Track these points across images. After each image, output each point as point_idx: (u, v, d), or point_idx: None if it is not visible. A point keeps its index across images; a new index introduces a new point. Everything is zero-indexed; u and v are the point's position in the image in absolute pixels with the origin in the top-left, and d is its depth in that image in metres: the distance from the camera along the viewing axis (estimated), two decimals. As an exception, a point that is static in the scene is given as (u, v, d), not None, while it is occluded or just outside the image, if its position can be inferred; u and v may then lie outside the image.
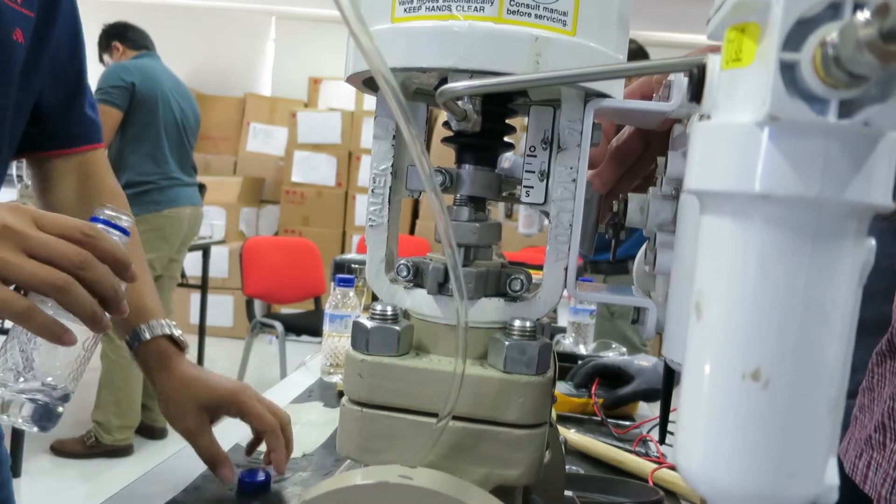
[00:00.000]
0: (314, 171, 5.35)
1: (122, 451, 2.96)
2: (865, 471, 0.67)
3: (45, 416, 0.65)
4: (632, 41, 1.42)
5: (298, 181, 5.39)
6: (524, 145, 0.52)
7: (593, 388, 1.27)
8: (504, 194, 0.55)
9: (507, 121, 0.54)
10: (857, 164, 0.23)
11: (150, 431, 3.14)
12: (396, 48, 0.45)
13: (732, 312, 0.25)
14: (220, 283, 4.96)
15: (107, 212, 0.66)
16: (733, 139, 0.24)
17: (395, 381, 0.47)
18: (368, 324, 0.48)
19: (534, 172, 0.51)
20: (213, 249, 4.32)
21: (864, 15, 0.19)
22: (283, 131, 5.64)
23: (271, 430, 0.84)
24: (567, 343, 1.76)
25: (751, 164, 0.24)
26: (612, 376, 1.30)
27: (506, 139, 0.53)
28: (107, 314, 0.61)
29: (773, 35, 0.23)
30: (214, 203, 4.93)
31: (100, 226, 0.63)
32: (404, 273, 0.52)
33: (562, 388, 1.30)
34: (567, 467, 0.99)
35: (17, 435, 2.56)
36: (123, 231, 0.67)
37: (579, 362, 1.38)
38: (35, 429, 0.65)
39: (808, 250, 0.24)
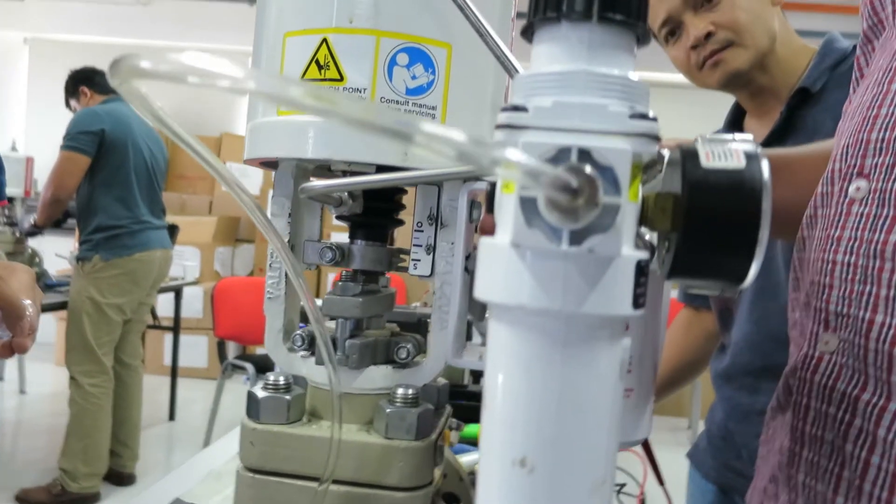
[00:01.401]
0: (290, 209, 5.37)
1: (90, 499, 2.92)
2: (764, 519, 0.70)
3: None
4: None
5: (274, 220, 5.41)
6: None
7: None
8: (397, 265, 0.58)
9: (397, 197, 0.58)
10: (593, 282, 0.27)
11: (118, 478, 3.11)
12: (281, 140, 0.50)
13: (504, 405, 0.29)
14: (194, 323, 4.94)
15: None
16: (498, 257, 0.28)
17: (284, 448, 0.50)
18: (260, 393, 0.51)
19: (421, 246, 0.55)
20: (188, 290, 4.32)
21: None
22: (259, 171, 5.68)
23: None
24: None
25: (510, 279, 0.28)
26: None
27: (395, 216, 0.57)
28: None
29: (517, 172, 0.27)
30: (189, 243, 4.94)
31: None
32: (300, 343, 0.55)
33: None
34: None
35: (-20, 484, 2.53)
36: None
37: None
38: None
39: (558, 355, 0.28)
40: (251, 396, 0.51)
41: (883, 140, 0.54)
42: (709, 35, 1.05)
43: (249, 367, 3.39)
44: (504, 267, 0.28)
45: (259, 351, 4.39)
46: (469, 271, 0.54)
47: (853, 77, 0.67)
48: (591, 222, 0.26)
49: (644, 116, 0.27)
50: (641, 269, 0.28)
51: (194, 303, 4.87)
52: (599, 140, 0.26)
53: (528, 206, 0.26)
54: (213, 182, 5.81)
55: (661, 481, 0.78)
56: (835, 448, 0.56)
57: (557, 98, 0.27)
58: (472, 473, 0.70)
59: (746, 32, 1.05)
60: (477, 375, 1.93)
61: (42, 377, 4.77)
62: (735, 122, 1.19)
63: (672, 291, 0.51)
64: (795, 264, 0.65)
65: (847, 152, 0.57)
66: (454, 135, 0.22)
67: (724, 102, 1.22)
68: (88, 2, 5.73)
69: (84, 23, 6.18)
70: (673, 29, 1.10)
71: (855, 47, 0.68)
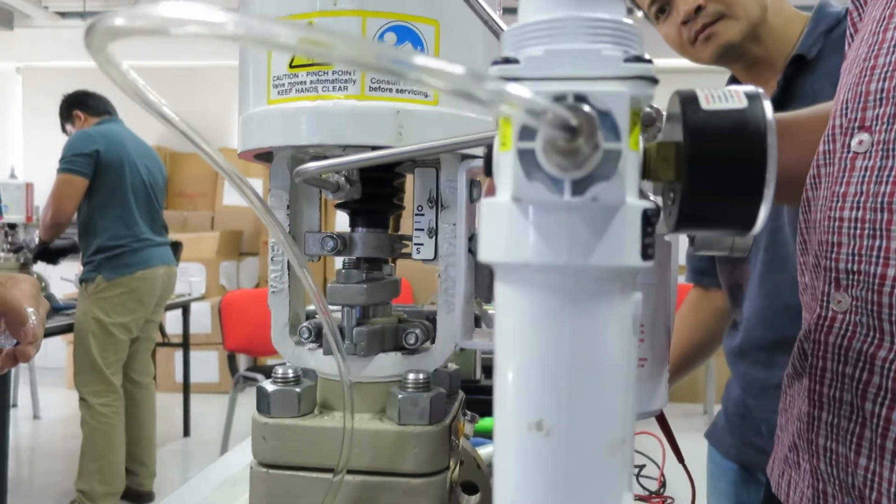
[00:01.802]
0: (291, 219, 5.37)
1: (109, 519, 2.92)
2: (787, 489, 0.69)
3: None
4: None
5: (276, 231, 5.42)
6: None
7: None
8: (400, 252, 0.58)
9: (397, 182, 0.57)
10: (599, 233, 0.26)
11: (135, 496, 3.10)
12: (273, 128, 0.49)
13: (516, 369, 0.28)
14: (203, 339, 4.94)
15: None
16: (501, 216, 0.27)
17: (297, 441, 0.49)
18: (270, 387, 0.51)
19: (423, 230, 0.54)
20: (195, 306, 4.32)
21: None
22: (258, 183, 5.68)
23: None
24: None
25: (514, 237, 0.27)
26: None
27: (395, 201, 0.56)
28: None
29: (513, 125, 0.26)
30: (193, 259, 4.94)
31: None
32: (306, 335, 0.54)
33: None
34: None
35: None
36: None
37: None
38: None
39: (568, 311, 0.27)
40: (261, 391, 0.51)
41: (882, 91, 0.53)
42: (699, 9, 1.04)
43: (261, 378, 3.39)
44: (506, 225, 0.27)
45: (270, 362, 4.39)
46: (473, 252, 0.54)
47: (847, 33, 0.66)
48: (592, 170, 0.25)
49: (639, 59, 0.26)
50: (648, 219, 0.27)
51: (202, 318, 4.87)
52: (595, 85, 0.25)
53: (526, 157, 0.26)
54: (214, 198, 5.82)
55: (680, 458, 0.77)
56: (854, 408, 0.55)
57: (548, 46, 0.27)
58: (491, 465, 0.69)
59: (737, 3, 1.04)
60: (488, 370, 1.93)
61: (55, 401, 4.78)
62: None
63: (679, 277, 0.50)
64: (802, 227, 0.64)
65: (847, 107, 0.56)
66: (451, 68, 0.21)
67: (719, 83, 1.21)
68: (77, 27, 5.74)
69: (74, 48, 6.17)
70: (662, 6, 1.09)
71: (847, 11, 0.67)
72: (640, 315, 0.29)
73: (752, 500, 1.18)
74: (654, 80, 0.26)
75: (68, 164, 2.79)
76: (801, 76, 1.05)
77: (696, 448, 1.32)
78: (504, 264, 0.28)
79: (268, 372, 3.50)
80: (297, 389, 0.50)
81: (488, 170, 0.31)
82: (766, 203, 0.28)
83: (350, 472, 0.48)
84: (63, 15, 5.55)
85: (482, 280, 0.55)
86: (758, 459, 1.13)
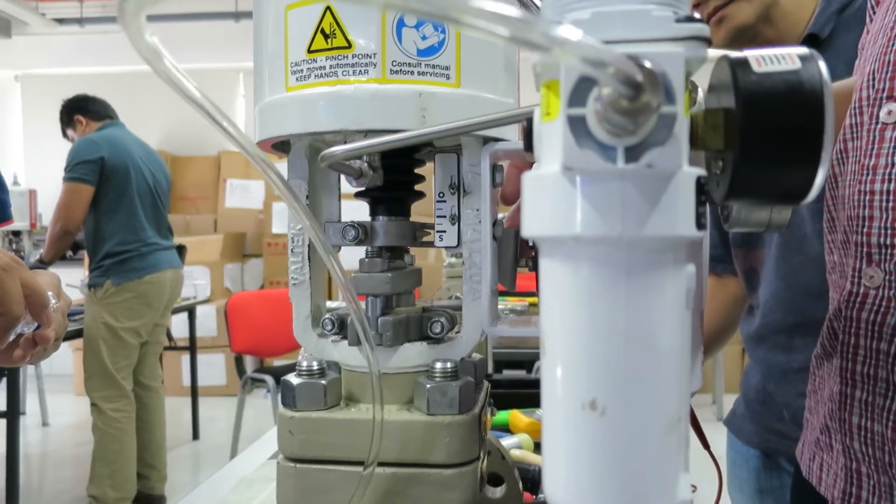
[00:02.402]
0: (294, 220, 5.37)
1: (122, 524, 2.92)
2: (819, 472, 0.68)
3: None
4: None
5: (279, 232, 5.41)
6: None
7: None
8: (422, 240, 0.56)
9: (417, 170, 0.56)
10: (653, 201, 0.25)
11: (147, 500, 3.10)
12: (292, 115, 0.48)
13: (567, 347, 0.27)
14: (209, 341, 4.94)
15: None
16: (548, 188, 0.26)
17: (324, 435, 0.48)
18: (295, 381, 0.50)
19: (445, 217, 0.53)
20: (200, 308, 4.31)
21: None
22: (260, 185, 5.68)
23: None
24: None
25: (562, 210, 0.26)
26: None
27: (416, 188, 0.55)
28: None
29: (562, 92, 0.25)
30: (197, 262, 4.94)
31: None
32: (329, 327, 0.53)
33: (540, 414, 1.30)
34: (542, 495, 1.00)
35: (13, 518, 2.52)
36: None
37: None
38: None
39: (622, 285, 0.26)
40: (286, 384, 0.50)
41: None
42: None
43: (269, 379, 3.38)
44: (553, 197, 0.26)
45: (276, 363, 4.39)
46: (496, 238, 0.53)
47: (869, 5, 0.65)
48: (647, 136, 0.24)
49: (691, 19, 0.25)
50: (702, 187, 0.26)
51: (208, 321, 4.87)
52: (648, 47, 0.24)
53: (577, 124, 0.24)
54: (217, 200, 5.81)
55: (705, 445, 0.76)
56: (889, 384, 0.54)
57: (596, 9, 0.25)
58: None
59: None
60: (499, 365, 1.92)
61: (63, 407, 4.78)
62: None
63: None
64: (829, 204, 0.63)
65: (874, 77, 0.55)
66: (507, 10, 0.20)
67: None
68: (74, 34, 5.73)
69: (71, 55, 6.18)
70: None
71: None
72: (693, 288, 0.27)
73: (775, 486, 1.17)
74: (707, 41, 0.25)
75: (74, 172, 2.79)
76: None
77: (710, 437, 1.30)
78: (551, 238, 0.27)
79: (275, 373, 3.49)
80: (323, 382, 0.49)
81: (528, 145, 0.30)
82: (824, 169, 0.27)
83: (380, 464, 0.47)
84: (60, 21, 5.53)
85: (504, 266, 0.54)
86: (780, 445, 1.12)
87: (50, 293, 0.62)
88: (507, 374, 1.88)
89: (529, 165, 0.62)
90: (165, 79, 0.26)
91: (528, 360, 1.88)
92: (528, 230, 0.28)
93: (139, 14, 0.20)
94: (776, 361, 1.10)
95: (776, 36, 1.07)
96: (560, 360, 0.27)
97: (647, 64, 0.22)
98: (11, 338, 0.60)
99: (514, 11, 0.20)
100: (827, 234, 0.64)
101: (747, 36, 1.06)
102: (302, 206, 0.38)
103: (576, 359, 0.27)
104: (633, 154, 0.24)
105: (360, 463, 0.48)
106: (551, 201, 0.26)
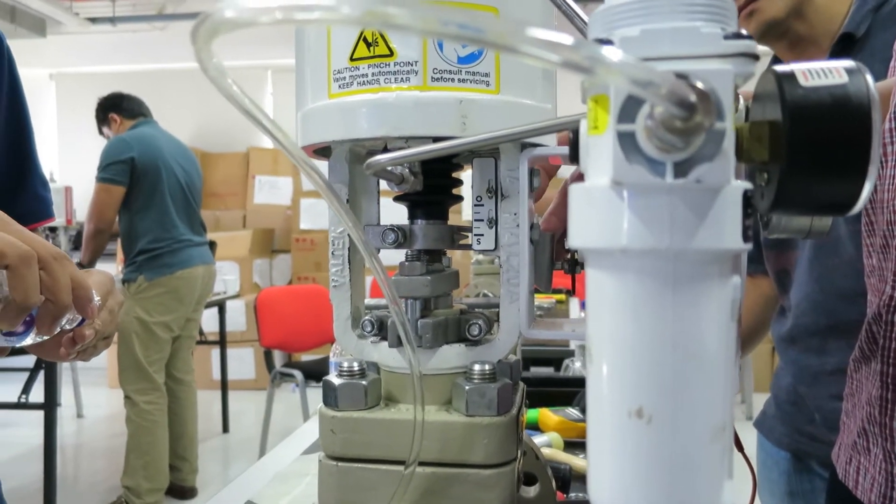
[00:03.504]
0: (322, 216, 5.42)
1: (154, 514, 2.98)
2: (856, 476, 0.68)
3: None
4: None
5: (307, 228, 5.46)
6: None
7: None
8: (459, 242, 0.57)
9: (454, 174, 0.57)
10: (701, 215, 0.25)
11: (179, 492, 3.16)
12: (335, 122, 0.49)
13: (613, 356, 0.27)
14: (238, 336, 5.01)
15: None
16: (596, 200, 0.27)
17: (365, 434, 0.50)
18: (336, 381, 0.51)
19: (483, 220, 0.54)
20: (229, 304, 4.38)
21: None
22: (288, 181, 5.74)
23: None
24: (576, 367, 1.77)
25: (610, 222, 0.26)
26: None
27: (454, 191, 0.56)
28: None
29: (611, 109, 0.25)
30: (227, 258, 5.01)
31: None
32: (369, 329, 0.54)
33: (569, 413, 1.31)
34: (573, 494, 1.00)
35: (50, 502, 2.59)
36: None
37: (586, 386, 1.38)
38: None
39: (669, 296, 0.26)
40: (327, 384, 0.51)
41: None
42: None
43: (298, 373, 3.42)
44: (601, 210, 0.27)
45: (304, 358, 4.43)
46: (533, 241, 0.53)
47: None
48: (696, 151, 0.24)
49: (739, 35, 0.26)
50: (748, 200, 0.26)
51: (237, 316, 4.94)
52: (697, 64, 0.25)
53: (626, 140, 0.25)
54: (245, 197, 5.88)
55: (740, 447, 0.76)
56: None
57: (644, 26, 0.26)
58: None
59: None
60: (526, 362, 1.92)
61: (97, 400, 4.88)
62: None
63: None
64: (867, 207, 0.62)
65: None
66: (562, 39, 0.20)
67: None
68: (107, 33, 5.83)
69: (105, 53, 6.29)
70: None
71: None
72: (738, 300, 0.28)
73: (806, 490, 1.16)
74: (755, 57, 0.26)
75: (105, 172, 2.86)
76: (848, 55, 1.02)
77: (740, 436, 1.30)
78: (598, 250, 0.28)
79: (304, 368, 3.54)
80: (364, 382, 0.50)
81: (574, 156, 0.31)
82: (870, 181, 0.27)
83: (420, 463, 0.48)
84: (93, 21, 5.63)
85: (540, 268, 0.55)
86: (811, 448, 1.11)
87: (94, 290, 0.63)
88: (535, 371, 1.89)
89: (554, 168, 0.63)
90: (226, 94, 0.27)
91: (557, 358, 1.88)
92: (576, 241, 0.28)
93: (210, 40, 0.21)
94: (808, 364, 1.09)
95: (808, 33, 1.05)
96: (607, 369, 0.28)
97: (700, 85, 0.22)
98: (57, 329, 0.61)
99: (565, 38, 0.21)
100: (865, 237, 0.64)
101: (778, 31, 1.04)
102: (347, 210, 0.39)
103: (623, 368, 0.27)
104: (681, 169, 0.25)
105: (400, 462, 0.49)
106: (599, 214, 0.27)
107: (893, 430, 0.58)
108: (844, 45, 1.01)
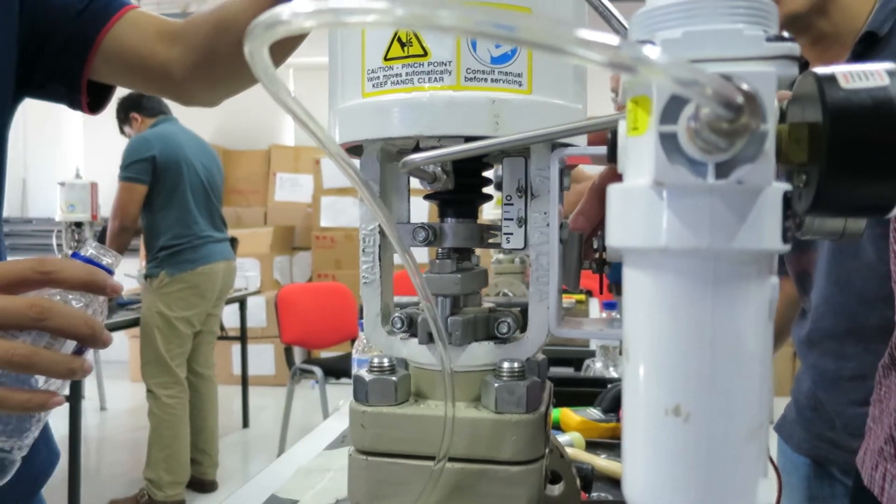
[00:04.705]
0: (342, 214, 5.45)
1: (176, 507, 3.01)
2: (882, 482, 0.68)
3: None
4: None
5: (327, 226, 5.50)
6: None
7: (621, 412, 1.27)
8: (488, 241, 0.58)
9: (483, 172, 0.57)
10: (742, 216, 0.26)
11: (200, 485, 3.20)
12: (368, 121, 0.49)
13: (651, 354, 0.28)
14: (259, 332, 5.05)
15: (90, 250, 0.62)
16: (636, 200, 0.27)
17: (396, 429, 0.50)
18: (367, 376, 0.51)
19: (512, 220, 0.54)
20: (250, 300, 4.42)
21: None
22: (309, 178, 5.77)
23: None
24: (597, 367, 1.77)
25: (651, 222, 0.27)
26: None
27: (484, 190, 0.57)
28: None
29: (653, 109, 0.26)
30: (248, 255, 5.05)
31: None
32: (399, 325, 0.55)
33: (591, 413, 1.31)
34: (595, 494, 1.00)
35: (74, 495, 2.63)
36: (108, 270, 0.61)
37: (609, 386, 1.38)
38: None
39: (709, 295, 0.27)
40: (358, 380, 0.51)
41: None
42: None
43: (317, 370, 3.45)
44: (641, 210, 0.27)
45: (324, 355, 4.46)
46: (563, 241, 0.54)
47: None
48: (738, 152, 0.25)
49: (781, 38, 0.26)
50: (788, 201, 0.26)
51: (257, 312, 4.98)
52: (740, 66, 0.25)
53: (668, 141, 0.25)
54: (267, 194, 5.92)
55: (765, 449, 0.76)
56: None
57: (686, 28, 0.26)
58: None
59: None
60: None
61: (120, 393, 4.95)
62: None
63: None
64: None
65: None
66: (607, 39, 0.21)
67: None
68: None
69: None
70: None
71: None
72: (776, 300, 0.28)
73: (826, 495, 1.15)
74: (797, 59, 0.26)
75: (128, 171, 2.91)
76: (871, 54, 1.01)
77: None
78: (637, 249, 0.28)
79: (324, 364, 3.56)
80: (394, 378, 0.51)
81: (612, 156, 0.31)
82: None
83: (449, 459, 0.48)
84: (119, 19, 5.70)
85: (569, 268, 0.55)
86: (832, 454, 1.10)
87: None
88: (555, 371, 1.89)
89: (570, 167, 0.63)
90: (276, 98, 0.28)
91: (577, 358, 1.88)
92: (614, 240, 0.29)
93: (265, 42, 0.22)
94: (827, 368, 1.08)
95: (831, 29, 1.03)
96: (644, 367, 0.28)
97: (746, 86, 0.23)
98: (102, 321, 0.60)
99: (610, 38, 0.21)
100: (893, 243, 0.63)
101: (799, 25, 1.03)
102: (383, 208, 0.40)
103: (660, 366, 0.28)
104: (723, 170, 0.25)
105: (430, 457, 0.49)
106: (638, 214, 0.27)
107: None
108: (867, 44, 1.00)
